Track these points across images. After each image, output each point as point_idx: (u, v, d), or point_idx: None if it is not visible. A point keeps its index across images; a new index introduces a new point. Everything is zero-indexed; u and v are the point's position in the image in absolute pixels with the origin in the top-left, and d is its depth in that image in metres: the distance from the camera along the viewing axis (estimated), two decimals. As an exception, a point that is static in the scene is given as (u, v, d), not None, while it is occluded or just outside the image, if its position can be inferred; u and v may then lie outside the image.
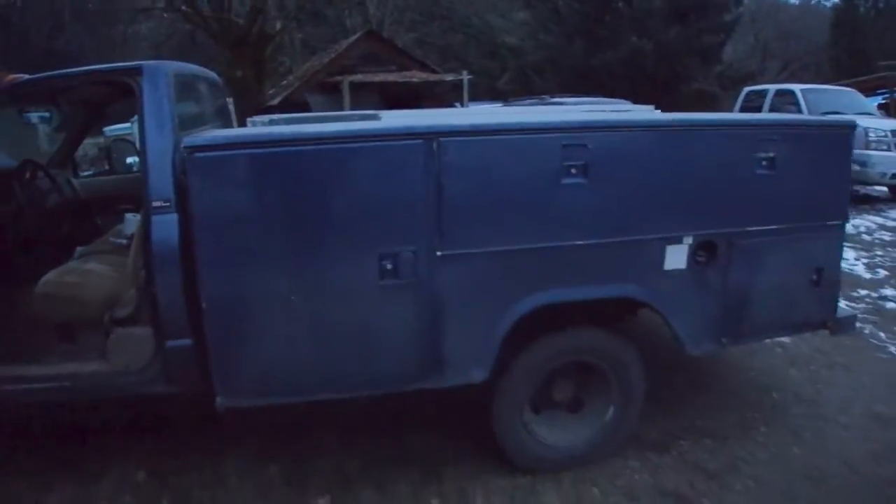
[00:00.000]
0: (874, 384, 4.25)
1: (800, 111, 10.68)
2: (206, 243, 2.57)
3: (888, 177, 9.64)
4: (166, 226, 2.67)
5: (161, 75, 2.83)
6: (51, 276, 3.19)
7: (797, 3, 42.70)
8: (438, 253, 2.74)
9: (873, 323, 5.32)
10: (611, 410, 3.27)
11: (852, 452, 3.51)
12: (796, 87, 11.31)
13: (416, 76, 15.84)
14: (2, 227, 3.51)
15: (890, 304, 5.75)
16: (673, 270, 3.03)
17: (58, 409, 3.69)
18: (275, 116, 4.01)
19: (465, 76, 15.59)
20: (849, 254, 7.34)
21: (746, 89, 12.52)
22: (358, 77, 15.25)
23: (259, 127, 3.50)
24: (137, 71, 2.82)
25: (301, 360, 2.77)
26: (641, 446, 3.51)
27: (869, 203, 10.30)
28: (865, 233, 8.34)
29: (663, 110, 13.31)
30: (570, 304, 3.00)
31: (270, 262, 2.64)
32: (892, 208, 10.01)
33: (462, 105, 15.54)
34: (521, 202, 2.80)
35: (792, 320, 3.48)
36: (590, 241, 2.89)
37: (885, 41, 29.60)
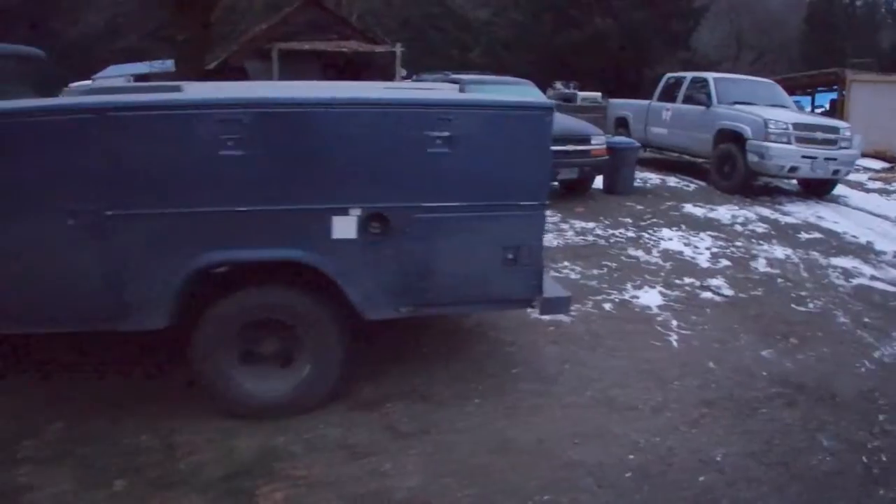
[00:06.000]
0: (625, 370, 4.27)
1: (709, 99, 10.65)
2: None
3: (786, 170, 9.55)
4: None
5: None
6: None
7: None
8: (109, 212, 3.07)
9: (675, 311, 5.34)
10: (307, 368, 3.48)
11: (555, 432, 3.55)
12: (710, 76, 11.23)
13: (349, 46, 15.74)
14: None
15: (706, 294, 5.77)
16: (343, 239, 3.24)
17: None
18: (95, 86, 4.38)
19: (399, 48, 15.54)
20: (704, 241, 7.37)
21: (667, 75, 12.44)
22: (287, 44, 15.17)
23: (76, 96, 3.90)
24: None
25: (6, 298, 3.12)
26: (352, 404, 3.71)
27: (770, 195, 10.27)
28: (740, 223, 8.32)
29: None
30: (245, 265, 3.36)
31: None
32: (792, 202, 10.00)
33: (405, 77, 15.44)
34: (186, 170, 3.11)
35: (487, 295, 3.56)
36: (253, 208, 3.16)
37: (859, 38, 29.36)
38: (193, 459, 3.23)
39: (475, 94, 3.72)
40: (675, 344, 4.73)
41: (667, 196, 9.93)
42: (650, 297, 5.59)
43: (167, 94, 3.81)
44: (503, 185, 3.38)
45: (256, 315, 3.40)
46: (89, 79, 26.41)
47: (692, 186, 10.71)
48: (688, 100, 11.16)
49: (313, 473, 3.15)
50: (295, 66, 14.87)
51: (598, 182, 10.01)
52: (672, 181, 11.22)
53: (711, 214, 8.73)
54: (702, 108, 10.76)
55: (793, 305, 5.62)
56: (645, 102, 12.60)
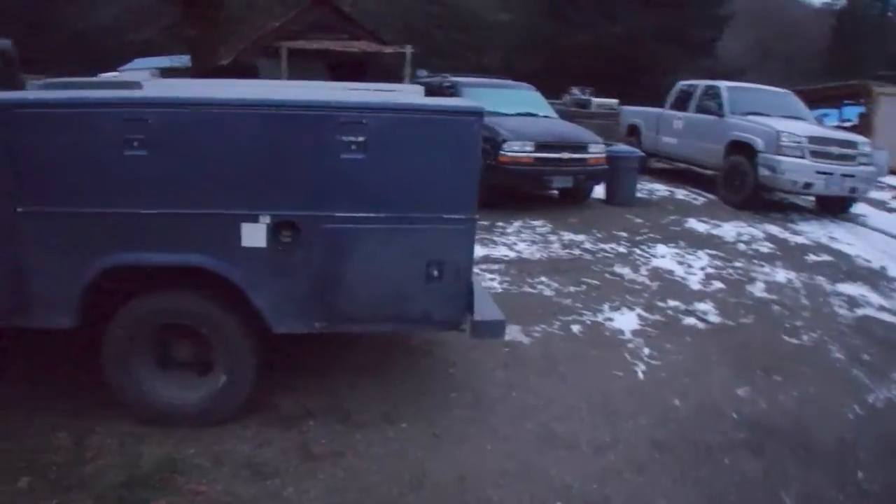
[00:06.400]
0: (576, 401, 3.86)
1: (720, 109, 10.15)
2: None
3: (799, 185, 8.98)
4: None
5: None
6: None
7: (810, 2, 40.05)
8: (19, 209, 2.95)
9: (650, 337, 4.90)
10: (222, 378, 3.29)
11: (479, 468, 3.22)
12: (722, 84, 10.68)
13: (358, 46, 15.47)
14: None
15: (688, 320, 5.30)
16: (253, 248, 3.02)
17: None
18: (50, 81, 4.34)
19: (409, 49, 15.22)
20: (700, 261, 6.90)
21: (679, 83, 11.91)
22: (296, 43, 14.96)
23: (33, 91, 3.89)
24: None
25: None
26: (270, 419, 3.49)
27: (783, 212, 9.72)
28: (744, 242, 7.82)
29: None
30: (151, 268, 3.13)
31: None
32: (805, 220, 9.43)
33: (410, 78, 15.11)
34: (93, 170, 2.94)
35: (408, 314, 3.24)
36: (158, 211, 2.97)
37: (886, 50, 28.21)
38: (100, 463, 3.09)
39: (398, 97, 3.35)
40: (639, 374, 4.30)
41: (671, 209, 9.47)
42: (626, 321, 5.17)
43: (81, 92, 3.58)
44: (425, 196, 3.05)
45: (166, 320, 3.23)
46: (116, 70, 26.76)
47: (700, 200, 10.22)
48: (700, 109, 10.67)
49: (211, 490, 2.96)
50: (303, 65, 14.66)
51: (601, 192, 9.63)
52: (680, 194, 10.74)
53: (715, 231, 8.25)
54: (713, 117, 10.25)
55: (784, 336, 5.14)
56: (657, 110, 12.11)
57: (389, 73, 15.27)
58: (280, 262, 3.04)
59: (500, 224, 8.09)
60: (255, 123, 2.93)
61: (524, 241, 7.41)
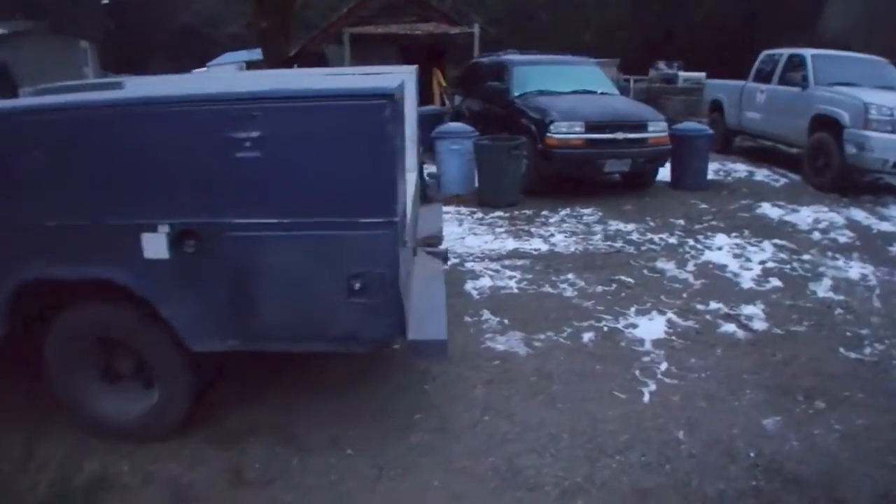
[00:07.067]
0: (558, 430, 3.32)
1: (806, 79, 9.03)
2: None
3: (890, 164, 7.81)
4: None
5: None
6: None
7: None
8: None
9: (673, 349, 4.25)
10: (157, 393, 3.12)
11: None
12: (807, 53, 9.50)
13: (423, 29, 15.04)
14: None
15: (727, 327, 4.57)
16: (157, 259, 2.77)
17: None
18: (47, 86, 4.37)
19: (477, 29, 14.65)
20: (762, 253, 6.08)
21: (764, 52, 10.73)
22: (358, 29, 14.72)
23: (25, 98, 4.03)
24: None
25: None
26: (211, 435, 3.27)
27: (875, 194, 8.51)
28: (820, 230, 6.85)
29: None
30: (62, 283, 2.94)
31: None
32: (900, 204, 8.22)
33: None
34: (7, 180, 2.76)
35: (328, 333, 2.87)
36: (61, 223, 2.79)
37: None
38: (38, 476, 3.00)
39: (263, 86, 2.91)
40: (646, 397, 3.69)
41: (745, 192, 8.56)
42: (651, 327, 4.53)
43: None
44: (336, 198, 2.63)
45: (98, 333, 3.07)
46: (205, 65, 27.80)
47: (781, 182, 9.20)
48: (783, 80, 9.58)
49: (132, 513, 2.77)
50: (369, 51, 14.43)
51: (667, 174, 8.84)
52: (761, 175, 9.73)
53: (789, 217, 7.31)
54: (797, 89, 9.16)
55: (841, 349, 4.30)
56: (740, 83, 11.01)
57: (465, 53, 14.80)
58: (186, 274, 2.76)
59: (545, 213, 7.53)
60: (142, 124, 2.64)
61: (564, 231, 6.84)
